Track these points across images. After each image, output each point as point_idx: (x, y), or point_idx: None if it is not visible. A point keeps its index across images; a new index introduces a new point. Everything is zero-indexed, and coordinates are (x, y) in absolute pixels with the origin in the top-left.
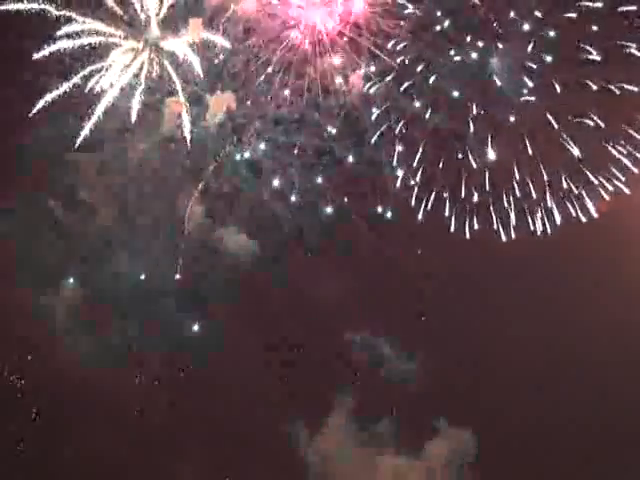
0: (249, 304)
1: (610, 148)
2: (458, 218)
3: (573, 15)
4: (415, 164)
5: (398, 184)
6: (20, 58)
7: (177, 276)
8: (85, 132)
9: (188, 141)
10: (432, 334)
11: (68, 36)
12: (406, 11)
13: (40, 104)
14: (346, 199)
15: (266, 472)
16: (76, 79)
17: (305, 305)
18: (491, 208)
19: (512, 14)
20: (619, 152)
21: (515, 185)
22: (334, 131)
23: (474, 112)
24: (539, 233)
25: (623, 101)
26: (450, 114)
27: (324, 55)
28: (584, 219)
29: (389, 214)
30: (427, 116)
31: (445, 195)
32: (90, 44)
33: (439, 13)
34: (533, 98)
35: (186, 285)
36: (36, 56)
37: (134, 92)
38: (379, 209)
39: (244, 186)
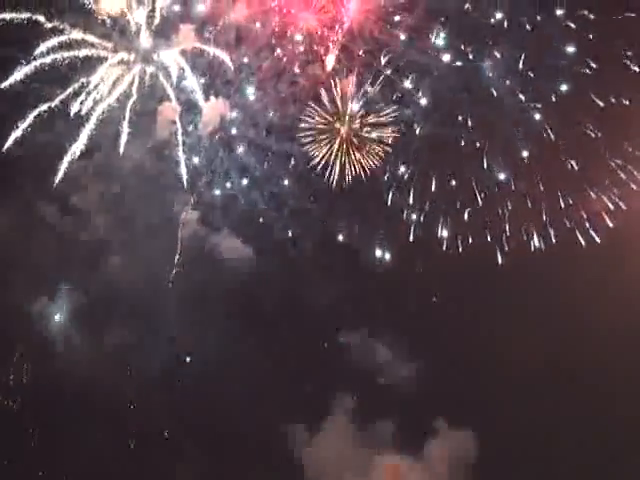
0: (246, 306)
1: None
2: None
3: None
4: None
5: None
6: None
7: (172, 281)
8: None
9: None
10: (432, 334)
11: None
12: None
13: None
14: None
15: (265, 474)
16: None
17: (303, 307)
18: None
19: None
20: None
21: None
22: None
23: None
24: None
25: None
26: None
27: (316, 62)
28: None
29: None
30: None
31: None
32: (77, 57)
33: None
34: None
35: (182, 289)
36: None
37: (127, 101)
38: None
39: (237, 193)
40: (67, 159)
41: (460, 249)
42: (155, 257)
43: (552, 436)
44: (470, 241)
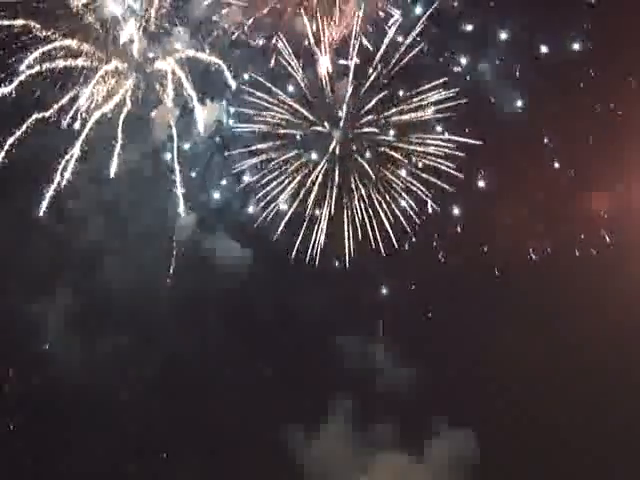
0: (244, 309)
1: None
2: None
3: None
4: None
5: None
6: None
7: (169, 283)
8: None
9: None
10: (432, 335)
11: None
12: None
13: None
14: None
15: (264, 476)
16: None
17: (299, 310)
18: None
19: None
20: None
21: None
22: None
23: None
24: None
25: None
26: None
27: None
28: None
29: None
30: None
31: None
32: (70, 66)
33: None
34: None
35: (178, 292)
36: None
37: (121, 110)
38: None
39: (232, 198)
40: (61, 166)
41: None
42: (150, 262)
43: (552, 435)
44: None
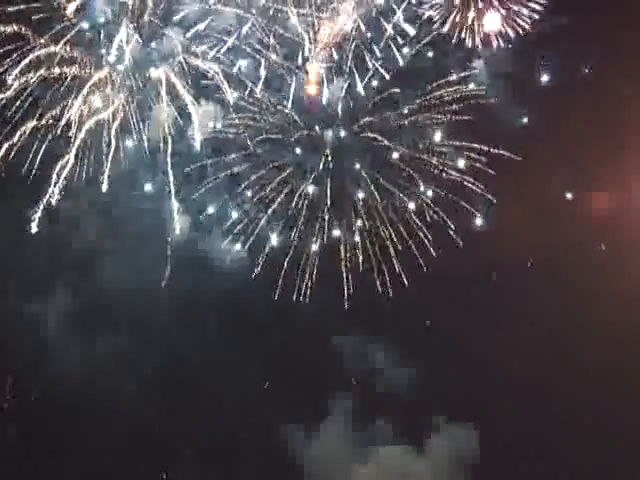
0: (240, 310)
1: None
2: None
3: None
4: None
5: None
6: None
7: (165, 284)
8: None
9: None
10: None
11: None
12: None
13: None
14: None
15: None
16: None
17: (296, 311)
18: None
19: None
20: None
21: None
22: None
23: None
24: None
25: None
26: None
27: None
28: None
29: None
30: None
31: None
32: (63, 74)
33: None
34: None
35: (175, 293)
36: None
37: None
38: None
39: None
40: (56, 170)
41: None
42: (146, 263)
43: (553, 435)
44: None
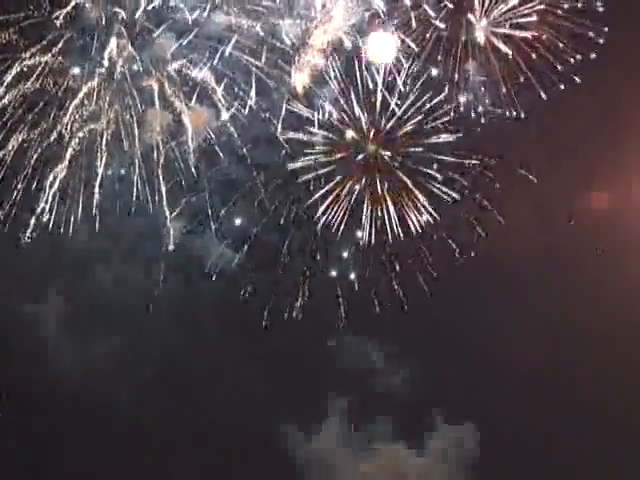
0: (235, 314)
1: None
2: None
3: None
4: None
5: None
6: None
7: (159, 289)
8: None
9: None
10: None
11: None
12: None
13: None
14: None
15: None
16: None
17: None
18: None
19: None
20: None
21: None
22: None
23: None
24: None
25: None
26: None
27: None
28: None
29: None
30: None
31: None
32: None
33: None
34: None
35: (170, 296)
36: None
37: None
38: None
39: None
40: (50, 178)
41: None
42: (142, 266)
43: (552, 436)
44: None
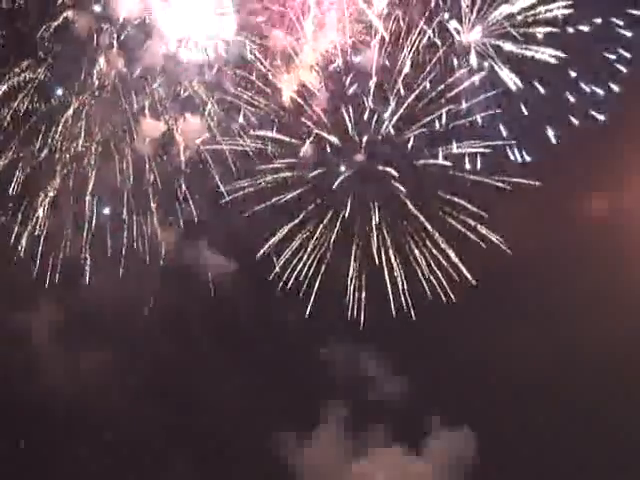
0: (228, 321)
1: None
2: None
3: None
4: None
5: None
6: None
7: (153, 298)
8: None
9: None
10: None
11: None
12: None
13: None
14: None
15: None
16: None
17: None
18: None
19: None
20: None
21: None
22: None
23: None
24: None
25: None
26: None
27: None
28: None
29: None
30: None
31: None
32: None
33: None
34: None
35: (163, 306)
36: None
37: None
38: None
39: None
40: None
41: None
42: (134, 274)
43: (552, 438)
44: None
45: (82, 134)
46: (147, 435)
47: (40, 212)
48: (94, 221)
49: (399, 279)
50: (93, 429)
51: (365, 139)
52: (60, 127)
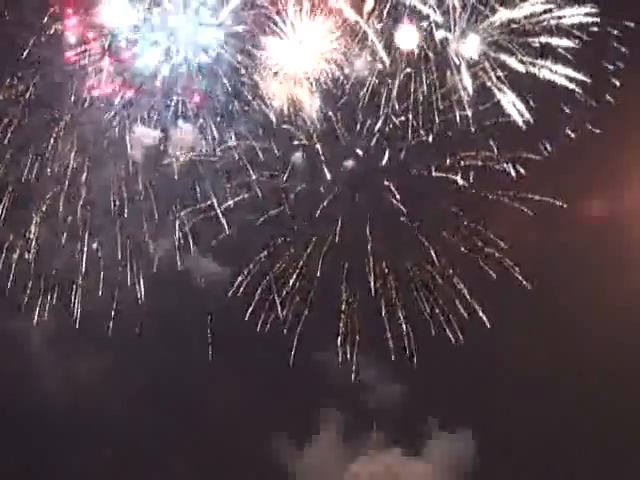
0: (223, 328)
1: None
2: None
3: None
4: None
5: None
6: None
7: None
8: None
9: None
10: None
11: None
12: None
13: None
14: None
15: None
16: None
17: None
18: None
19: None
20: None
21: None
22: None
23: None
24: None
25: None
26: None
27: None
28: None
29: None
30: None
31: None
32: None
33: None
34: None
35: (158, 313)
36: None
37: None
38: None
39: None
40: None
41: None
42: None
43: (551, 442)
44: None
45: (74, 148)
46: (145, 440)
47: (32, 227)
48: (87, 232)
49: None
50: (86, 436)
51: (356, 149)
52: (51, 141)
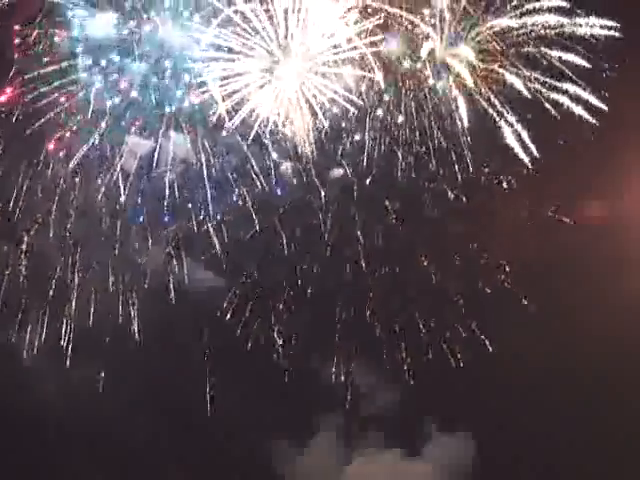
0: (218, 337)
1: None
2: None
3: None
4: None
5: None
6: None
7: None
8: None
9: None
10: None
11: None
12: None
13: None
14: None
15: None
16: None
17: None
18: None
19: None
20: None
21: None
22: None
23: None
24: None
25: None
26: None
27: None
28: None
29: None
30: None
31: None
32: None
33: None
34: None
35: (152, 322)
36: None
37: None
38: None
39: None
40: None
41: None
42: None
43: (551, 442)
44: None
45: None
46: (144, 445)
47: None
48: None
49: None
50: (84, 442)
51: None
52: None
